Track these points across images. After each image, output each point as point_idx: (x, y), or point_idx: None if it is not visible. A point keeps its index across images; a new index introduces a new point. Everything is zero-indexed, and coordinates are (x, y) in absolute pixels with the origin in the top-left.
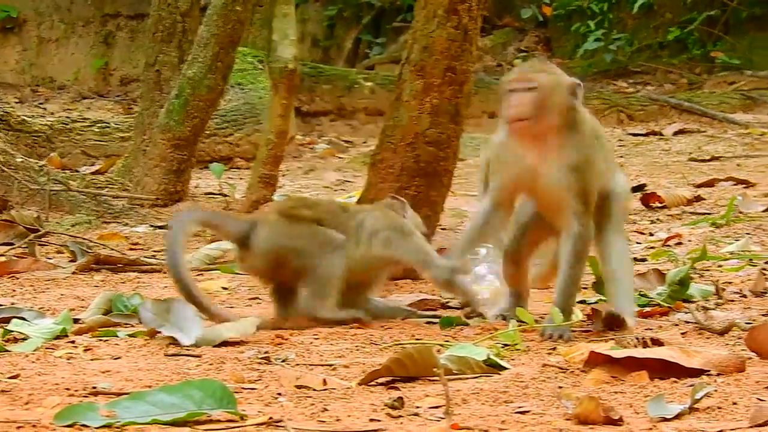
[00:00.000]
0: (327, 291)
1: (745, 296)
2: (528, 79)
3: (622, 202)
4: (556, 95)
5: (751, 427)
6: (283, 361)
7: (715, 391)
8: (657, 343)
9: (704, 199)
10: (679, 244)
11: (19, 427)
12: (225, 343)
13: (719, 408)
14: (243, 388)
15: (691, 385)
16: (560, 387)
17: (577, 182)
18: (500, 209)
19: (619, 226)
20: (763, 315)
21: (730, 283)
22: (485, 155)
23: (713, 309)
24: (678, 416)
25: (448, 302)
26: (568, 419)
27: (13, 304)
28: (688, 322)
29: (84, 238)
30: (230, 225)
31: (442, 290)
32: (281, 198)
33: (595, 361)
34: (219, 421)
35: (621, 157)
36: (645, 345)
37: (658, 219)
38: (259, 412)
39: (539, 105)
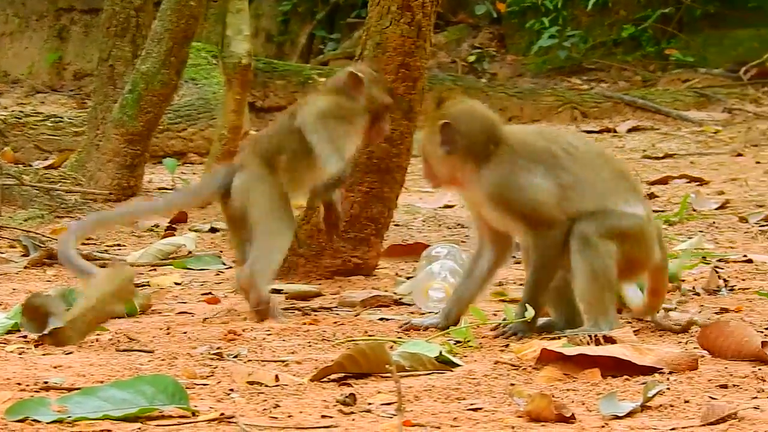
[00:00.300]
0: (269, 266)
1: (698, 294)
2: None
3: (615, 220)
4: (431, 150)
5: (703, 425)
6: (236, 357)
7: (668, 389)
8: (609, 340)
9: (658, 197)
10: None
11: None
12: (177, 340)
13: (671, 406)
14: (195, 383)
15: (643, 383)
16: (512, 384)
17: (508, 208)
18: (484, 242)
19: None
20: (716, 313)
21: (683, 280)
22: None
23: (673, 309)
24: (630, 414)
25: (401, 298)
26: (520, 416)
27: None
28: (640, 320)
29: (37, 233)
30: (211, 185)
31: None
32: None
33: (547, 358)
34: (171, 416)
35: None
36: (597, 342)
37: None
38: (211, 408)
39: (428, 166)
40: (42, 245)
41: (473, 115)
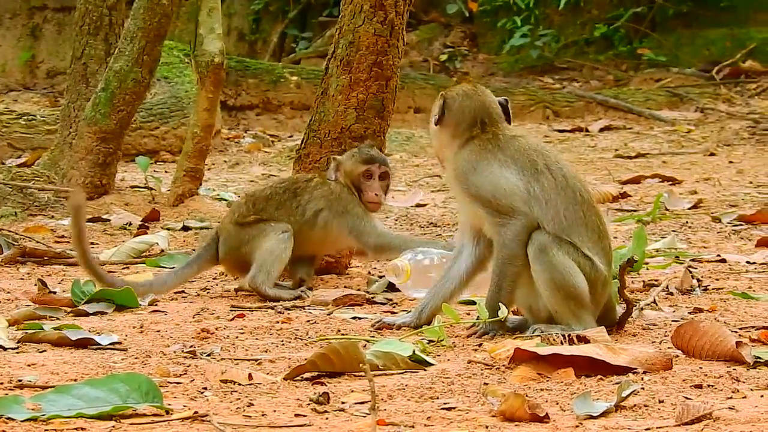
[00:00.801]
0: (269, 268)
1: (672, 294)
2: None
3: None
4: (430, 126)
5: (677, 425)
6: (209, 355)
7: (642, 389)
8: (583, 340)
9: (630, 196)
10: None
11: None
12: (151, 338)
13: (646, 406)
14: (168, 382)
15: (617, 383)
16: (486, 383)
17: (467, 188)
18: (465, 239)
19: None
20: (690, 313)
21: (656, 280)
22: None
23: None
24: (604, 414)
25: (373, 297)
26: (493, 416)
27: None
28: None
29: (10, 231)
30: (207, 252)
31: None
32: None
33: (520, 357)
34: (145, 415)
35: None
36: (571, 342)
37: None
38: (184, 406)
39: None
40: (15, 243)
41: (470, 96)
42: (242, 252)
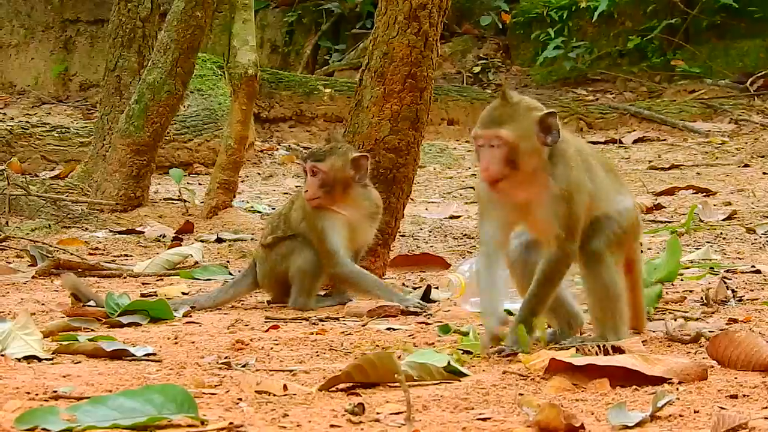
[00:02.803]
0: (307, 287)
1: (706, 304)
2: (493, 136)
3: (616, 225)
4: (525, 143)
5: None
6: (244, 366)
7: (677, 399)
8: (618, 350)
9: (664, 208)
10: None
11: None
12: (186, 349)
13: (681, 416)
14: (204, 393)
15: (652, 393)
16: (521, 394)
17: (564, 211)
18: (500, 248)
19: (601, 247)
20: (726, 323)
21: (691, 291)
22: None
23: (693, 319)
24: (639, 424)
25: (408, 308)
26: (529, 426)
27: None
28: (652, 331)
29: (44, 243)
30: (245, 279)
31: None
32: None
33: (555, 368)
34: (180, 425)
35: None
36: (606, 353)
37: None
38: (219, 417)
39: (509, 160)
40: (49, 255)
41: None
42: (277, 273)
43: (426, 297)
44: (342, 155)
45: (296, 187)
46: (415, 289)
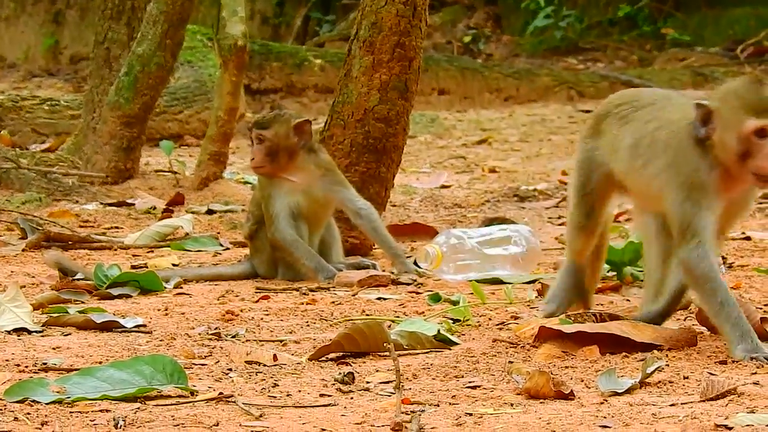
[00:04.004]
0: (303, 261)
1: None
2: None
3: None
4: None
5: (702, 400)
6: (234, 336)
7: (666, 365)
8: (616, 319)
9: None
10: (630, 220)
11: None
12: (176, 320)
13: (670, 382)
14: (193, 363)
15: (642, 360)
16: (510, 362)
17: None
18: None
19: None
20: None
21: None
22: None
23: None
24: (629, 390)
25: (398, 278)
26: (518, 393)
27: None
28: (639, 297)
29: (34, 216)
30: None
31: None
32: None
33: (545, 335)
34: (169, 396)
35: (572, 133)
36: (602, 320)
37: None
38: (209, 387)
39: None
40: (40, 228)
41: None
42: (274, 260)
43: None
44: (284, 122)
45: None
46: (408, 257)
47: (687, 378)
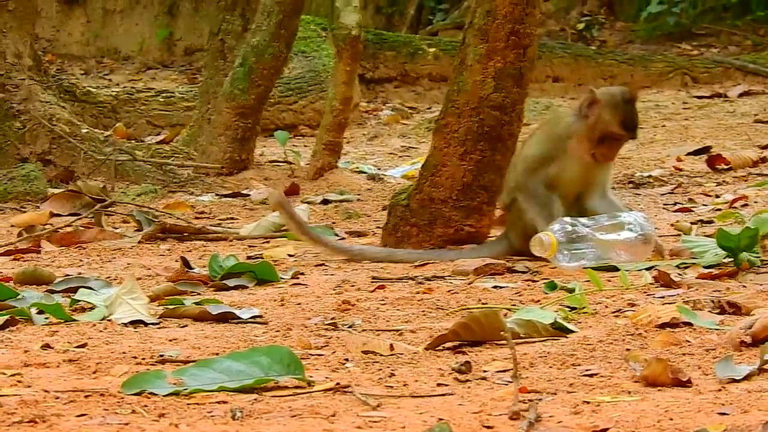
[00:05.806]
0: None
1: None
2: None
3: None
4: None
5: None
6: (350, 327)
7: None
8: (733, 306)
9: None
10: (746, 205)
11: (87, 396)
12: (292, 311)
13: None
14: (310, 354)
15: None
16: (628, 349)
17: None
18: None
19: None
20: None
21: None
22: None
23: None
24: (747, 377)
25: (513, 266)
26: (636, 381)
27: (80, 273)
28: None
29: (150, 208)
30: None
31: None
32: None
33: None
34: (286, 387)
35: (686, 119)
36: (722, 310)
37: (723, 181)
38: (326, 377)
39: None
40: (155, 219)
41: None
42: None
43: None
44: None
45: (402, 147)
46: None
47: None
